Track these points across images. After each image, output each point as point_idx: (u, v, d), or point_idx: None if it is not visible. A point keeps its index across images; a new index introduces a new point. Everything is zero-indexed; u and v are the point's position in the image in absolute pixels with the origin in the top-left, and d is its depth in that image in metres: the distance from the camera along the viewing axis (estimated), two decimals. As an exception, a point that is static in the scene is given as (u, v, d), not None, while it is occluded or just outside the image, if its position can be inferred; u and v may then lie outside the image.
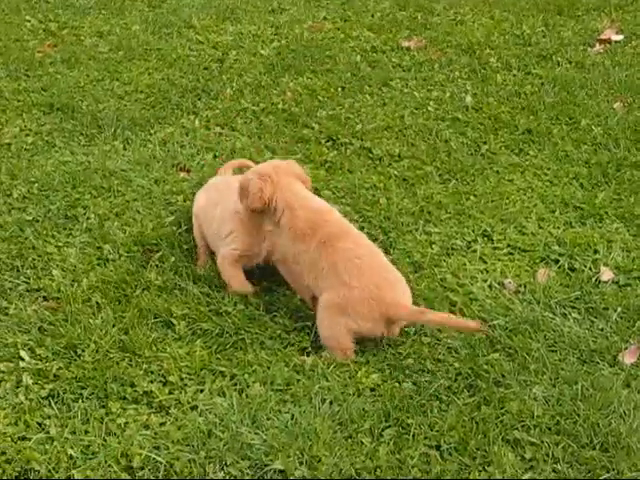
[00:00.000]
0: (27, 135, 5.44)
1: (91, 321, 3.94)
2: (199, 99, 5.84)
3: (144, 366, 3.74)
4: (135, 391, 3.61)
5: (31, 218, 4.67)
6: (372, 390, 3.64)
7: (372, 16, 6.95)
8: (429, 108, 5.70)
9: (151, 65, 6.23)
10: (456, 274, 4.28)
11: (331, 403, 3.54)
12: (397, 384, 3.65)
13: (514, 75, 6.10)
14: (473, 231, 4.59)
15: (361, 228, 4.58)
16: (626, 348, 3.79)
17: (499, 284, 4.22)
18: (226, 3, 7.16)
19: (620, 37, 6.53)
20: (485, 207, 4.75)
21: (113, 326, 3.92)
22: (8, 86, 5.94)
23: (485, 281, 4.24)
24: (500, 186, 4.94)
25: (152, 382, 3.66)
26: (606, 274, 4.24)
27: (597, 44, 6.45)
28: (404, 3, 7.15)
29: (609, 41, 6.48)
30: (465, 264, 4.36)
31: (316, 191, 4.88)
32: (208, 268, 4.27)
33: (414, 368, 3.72)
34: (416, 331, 3.92)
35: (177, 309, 4.02)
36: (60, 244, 4.51)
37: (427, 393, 3.58)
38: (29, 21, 6.80)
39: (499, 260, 4.39)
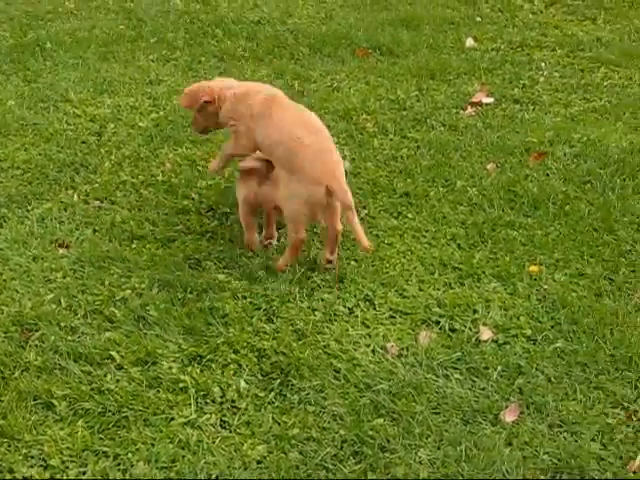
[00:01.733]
0: None
1: (-33, 406, 3.84)
2: (77, 173, 5.78)
3: (23, 451, 3.67)
4: (14, 477, 3.53)
5: None
6: (259, 462, 3.64)
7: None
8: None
9: (27, 140, 6.15)
10: (339, 340, 4.31)
11: (217, 479, 3.51)
12: (283, 455, 3.65)
13: (391, 139, 6.21)
14: (355, 296, 4.63)
15: (243, 297, 4.62)
16: (507, 407, 3.87)
17: (382, 348, 4.27)
18: (103, 76, 7.13)
19: (490, 100, 6.72)
20: (366, 271, 4.81)
21: (-9, 411, 3.83)
22: None
23: (368, 346, 4.28)
24: (380, 250, 5.00)
25: (32, 467, 3.60)
26: (485, 333, 4.33)
27: (469, 107, 6.63)
28: (281, 71, 7.23)
29: (480, 104, 6.66)
30: (348, 330, 4.39)
31: (198, 262, 4.91)
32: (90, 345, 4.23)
33: (300, 437, 3.73)
34: (301, 400, 3.93)
35: (58, 389, 3.95)
36: None
37: (313, 462, 3.60)
38: None
39: (381, 324, 4.44)
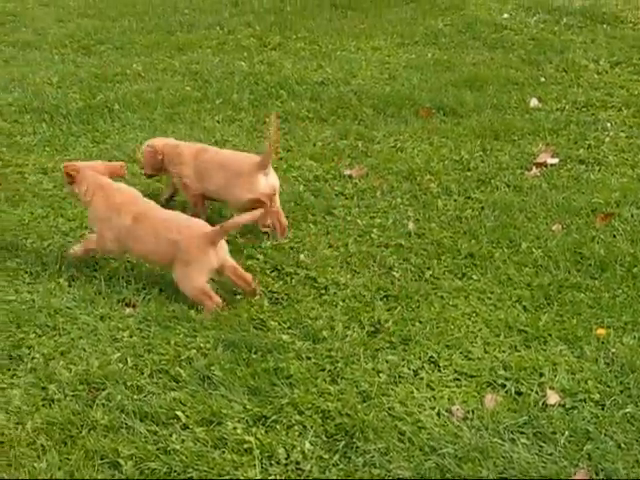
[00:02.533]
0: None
1: (36, 465, 3.88)
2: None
3: (88, 511, 3.69)
4: (77, 537, 3.55)
5: (-25, 360, 4.65)
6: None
7: (314, 145, 7.08)
8: (372, 235, 5.77)
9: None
10: (404, 402, 4.28)
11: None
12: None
13: (455, 200, 6.21)
14: (420, 358, 4.61)
15: (307, 358, 4.63)
16: (575, 473, 3.80)
17: (447, 411, 4.23)
18: (170, 137, 7.22)
19: (555, 160, 6.69)
20: (431, 333, 4.78)
21: (59, 469, 3.87)
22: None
23: (433, 408, 4.25)
24: (445, 311, 4.98)
25: (97, 527, 3.61)
26: (552, 397, 4.27)
27: (534, 167, 6.61)
28: (345, 132, 7.29)
29: (545, 164, 6.64)
30: (413, 392, 4.36)
31: (262, 322, 4.94)
32: (156, 404, 4.26)
33: (365, 502, 3.70)
34: (365, 462, 3.91)
35: (124, 449, 3.98)
36: (4, 385, 4.46)
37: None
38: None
39: (446, 387, 4.41)
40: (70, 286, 5.32)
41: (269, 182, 5.68)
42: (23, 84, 8.34)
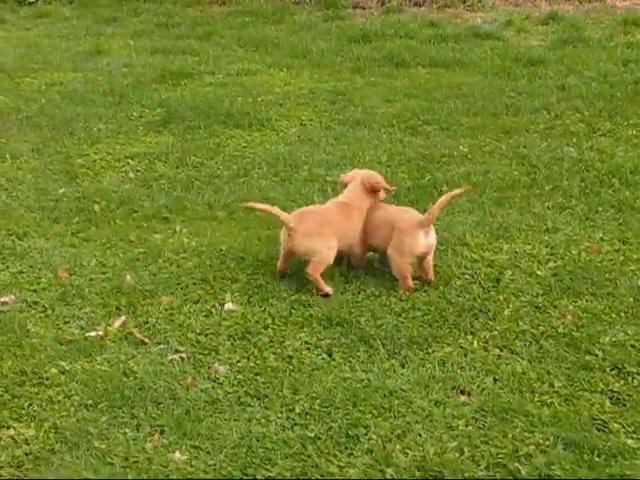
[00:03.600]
0: (307, 349, 5.51)
1: None
2: (476, 319, 5.78)
3: None
4: None
5: (313, 435, 4.70)
6: None
7: (652, 240, 6.78)
8: None
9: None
10: None
11: None
12: None
13: None
14: None
15: (658, 470, 4.36)
16: None
17: None
18: (499, 221, 7.16)
19: None
20: None
21: None
22: (287, 298, 6.08)
23: None
24: None
25: None
26: None
27: None
28: (685, 226, 6.95)
29: None
30: None
31: (604, 423, 4.71)
32: None
33: None
34: None
35: None
36: (342, 464, 4.48)
37: None
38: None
39: None
40: (403, 367, 5.31)
41: (428, 241, 6.16)
42: (354, 162, 8.53)
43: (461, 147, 8.95)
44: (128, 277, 6.35)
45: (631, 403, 4.88)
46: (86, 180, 8.23)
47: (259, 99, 10.58)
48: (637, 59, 11.89)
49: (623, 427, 4.68)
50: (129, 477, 4.38)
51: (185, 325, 5.78)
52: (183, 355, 5.45)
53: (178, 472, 4.44)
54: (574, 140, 8.98)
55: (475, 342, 5.54)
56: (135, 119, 9.93)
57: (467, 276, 6.35)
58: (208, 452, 4.58)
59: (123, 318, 5.84)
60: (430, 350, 5.47)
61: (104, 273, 6.47)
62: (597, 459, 4.42)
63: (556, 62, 11.86)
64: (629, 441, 4.55)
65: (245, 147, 9.09)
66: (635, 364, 5.21)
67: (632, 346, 5.41)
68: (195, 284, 6.29)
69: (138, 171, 8.46)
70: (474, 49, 12.68)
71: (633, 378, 5.11)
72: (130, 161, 8.71)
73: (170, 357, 5.43)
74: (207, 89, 11.02)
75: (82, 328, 5.75)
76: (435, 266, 6.39)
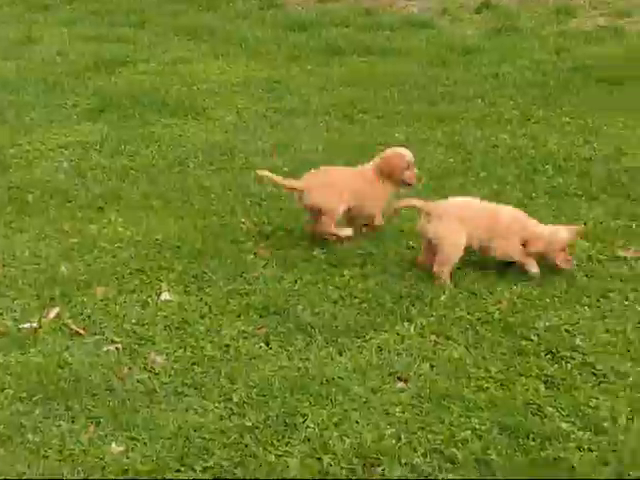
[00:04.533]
0: (245, 338, 5.49)
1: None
2: (413, 306, 5.80)
3: None
4: None
5: (251, 424, 4.68)
6: None
7: (585, 224, 6.84)
8: (655, 323, 5.51)
9: (367, 270, 6.24)
10: None
11: None
12: None
13: None
14: None
15: (589, 450, 4.41)
16: None
17: None
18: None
19: None
20: None
21: None
22: (224, 287, 6.05)
23: None
24: None
25: None
26: None
27: None
28: (617, 211, 7.03)
29: None
30: None
31: (539, 407, 4.76)
32: None
33: None
34: None
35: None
36: (279, 453, 4.47)
37: None
38: (244, 223, 6.98)
39: None
40: (341, 355, 5.31)
41: None
42: (290, 150, 8.51)
43: (397, 135, 8.98)
44: (62, 268, 6.27)
45: (565, 387, 4.93)
46: (19, 170, 8.11)
47: (195, 87, 10.53)
48: (570, 48, 12.04)
49: (557, 411, 4.72)
50: (64, 471, 4.32)
51: (121, 315, 5.72)
52: (119, 346, 5.39)
53: (114, 464, 4.39)
54: (508, 127, 9.06)
55: (412, 328, 5.55)
56: (69, 108, 9.82)
57: (405, 263, 6.36)
58: (145, 443, 4.54)
59: (57, 309, 5.77)
60: (367, 337, 5.47)
61: (38, 264, 6.38)
62: (532, 443, 4.47)
63: (491, 51, 11.98)
64: (563, 424, 4.59)
65: (181, 136, 9.03)
66: (569, 348, 5.27)
67: (566, 331, 5.47)
68: (131, 274, 6.23)
69: (72, 161, 8.35)
70: (409, 37, 12.75)
71: (567, 362, 5.16)
72: (64, 150, 8.60)
73: (106, 348, 5.37)
74: (142, 77, 10.93)
75: (15, 320, 5.67)
76: (372, 254, 6.41)
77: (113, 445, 4.53)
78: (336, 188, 6.49)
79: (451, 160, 8.29)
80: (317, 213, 6.49)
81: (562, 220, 6.90)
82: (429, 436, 4.57)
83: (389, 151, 6.76)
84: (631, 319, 5.56)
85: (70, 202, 7.42)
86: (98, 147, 8.63)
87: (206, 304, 5.84)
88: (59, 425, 4.70)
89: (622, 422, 4.59)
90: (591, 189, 7.50)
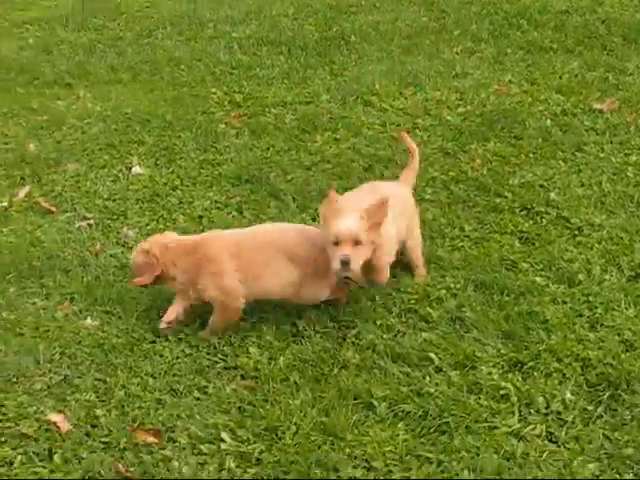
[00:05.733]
0: (217, 208, 5.44)
1: (290, 402, 3.85)
2: (386, 168, 5.74)
3: (347, 450, 3.62)
4: (339, 477, 3.49)
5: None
6: (592, 483, 3.42)
7: (560, 78, 6.75)
8: (628, 174, 5.46)
9: (339, 135, 6.16)
10: (674, 353, 4.02)
11: (549, 496, 3.34)
12: (617, 475, 3.42)
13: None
14: (688, 306, 4.31)
15: (563, 303, 4.41)
16: None
17: None
18: (408, 69, 7.07)
19: None
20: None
21: (312, 407, 3.82)
22: (196, 158, 5.98)
23: None
24: None
25: (356, 467, 3.54)
26: None
27: None
28: (593, 63, 6.92)
29: None
30: (683, 341, 4.09)
31: (513, 263, 4.74)
32: (407, 345, 4.15)
33: (635, 458, 3.47)
34: (633, 417, 3.67)
35: (377, 390, 3.89)
36: (254, 320, 4.46)
37: (652, 487, 3.34)
38: (215, 93, 6.86)
39: None
40: (313, 220, 5.27)
41: None
42: (259, 16, 8.32)
43: (369, -5, 8.78)
44: (32, 146, 6.18)
45: (540, 242, 4.91)
46: (-17, 49, 7.94)
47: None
48: None
49: (532, 266, 4.71)
50: (40, 347, 4.31)
51: (92, 191, 5.67)
52: (91, 222, 5.35)
53: (90, 338, 4.38)
54: (482, -17, 8.86)
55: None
56: (32, -17, 9.57)
57: (377, 126, 6.28)
58: (120, 317, 4.53)
59: (28, 188, 5.71)
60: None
61: (6, 143, 6.29)
62: (506, 298, 4.46)
63: None
64: (537, 279, 4.58)
65: (148, 7, 8.83)
66: (543, 204, 5.23)
67: (540, 186, 5.43)
68: (101, 149, 6.16)
69: (38, 37, 8.16)
70: None
71: (542, 217, 5.13)
72: (29, 27, 8.42)
73: (78, 224, 5.33)
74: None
75: (-15, 200, 5.62)
76: (345, 117, 6.33)
77: (88, 320, 4.52)
78: None
79: (424, 19, 8.14)
80: None
81: (536, 75, 6.81)
82: (404, 296, 4.56)
83: None
84: (607, 171, 5.52)
85: (37, 79, 7.28)
86: (64, 22, 8.46)
87: (178, 176, 5.78)
88: (34, 303, 4.68)
89: (596, 273, 4.58)
90: (567, 42, 7.38)
